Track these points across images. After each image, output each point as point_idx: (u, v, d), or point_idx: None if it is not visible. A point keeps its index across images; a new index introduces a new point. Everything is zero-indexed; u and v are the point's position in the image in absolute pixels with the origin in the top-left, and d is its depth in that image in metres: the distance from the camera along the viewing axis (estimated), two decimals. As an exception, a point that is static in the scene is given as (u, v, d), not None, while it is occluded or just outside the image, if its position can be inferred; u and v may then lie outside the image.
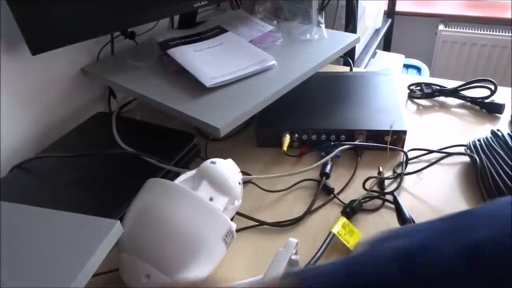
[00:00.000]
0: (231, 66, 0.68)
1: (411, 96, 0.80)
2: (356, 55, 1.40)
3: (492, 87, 0.73)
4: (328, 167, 0.62)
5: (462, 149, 0.64)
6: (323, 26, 0.82)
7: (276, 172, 0.63)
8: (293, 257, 0.44)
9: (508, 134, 0.60)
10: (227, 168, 0.51)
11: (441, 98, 0.79)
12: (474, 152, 0.60)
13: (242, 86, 0.65)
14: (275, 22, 0.85)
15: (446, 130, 0.71)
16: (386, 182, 0.61)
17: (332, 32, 0.82)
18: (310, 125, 0.67)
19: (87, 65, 0.75)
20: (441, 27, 1.96)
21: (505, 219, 0.27)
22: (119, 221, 0.38)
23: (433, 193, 0.59)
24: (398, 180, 0.60)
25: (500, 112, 0.73)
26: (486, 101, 0.74)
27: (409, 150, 0.65)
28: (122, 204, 0.53)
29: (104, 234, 0.37)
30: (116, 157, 0.62)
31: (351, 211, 0.54)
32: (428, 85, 0.79)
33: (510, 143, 0.58)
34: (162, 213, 0.43)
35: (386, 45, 2.04)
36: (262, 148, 0.70)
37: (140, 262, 0.42)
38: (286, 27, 0.84)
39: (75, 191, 0.56)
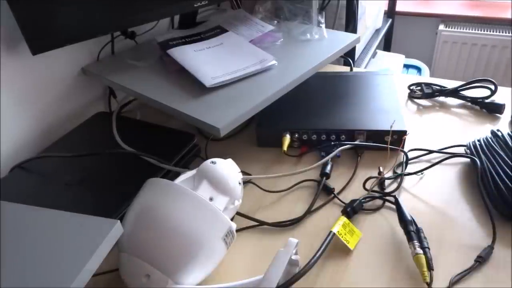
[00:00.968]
0: (231, 66, 0.68)
1: (411, 96, 0.80)
2: (356, 55, 1.40)
3: (492, 87, 0.73)
4: (328, 167, 0.62)
5: (462, 149, 0.64)
6: (323, 26, 0.82)
7: (276, 172, 0.64)
8: (294, 257, 0.44)
9: (508, 134, 0.60)
10: (227, 168, 0.50)
11: (441, 98, 0.79)
12: (474, 152, 0.60)
13: (242, 86, 0.65)
14: (275, 22, 0.85)
15: (446, 130, 0.71)
16: (386, 182, 0.61)
17: (332, 32, 0.82)
18: (310, 125, 0.67)
19: (87, 65, 0.75)
20: (441, 27, 1.96)
21: None
22: (119, 221, 0.38)
23: (433, 193, 0.59)
24: (398, 180, 0.61)
25: (500, 112, 0.73)
26: (486, 101, 0.74)
27: (409, 150, 0.65)
28: (122, 204, 0.53)
29: (104, 234, 0.37)
30: (116, 157, 0.62)
31: (351, 210, 0.54)
32: (428, 85, 0.79)
33: (510, 143, 0.58)
34: (162, 213, 0.43)
35: (386, 45, 2.04)
36: (262, 148, 0.70)
37: (140, 262, 0.42)
38: (286, 27, 0.84)
39: (75, 191, 0.56)
